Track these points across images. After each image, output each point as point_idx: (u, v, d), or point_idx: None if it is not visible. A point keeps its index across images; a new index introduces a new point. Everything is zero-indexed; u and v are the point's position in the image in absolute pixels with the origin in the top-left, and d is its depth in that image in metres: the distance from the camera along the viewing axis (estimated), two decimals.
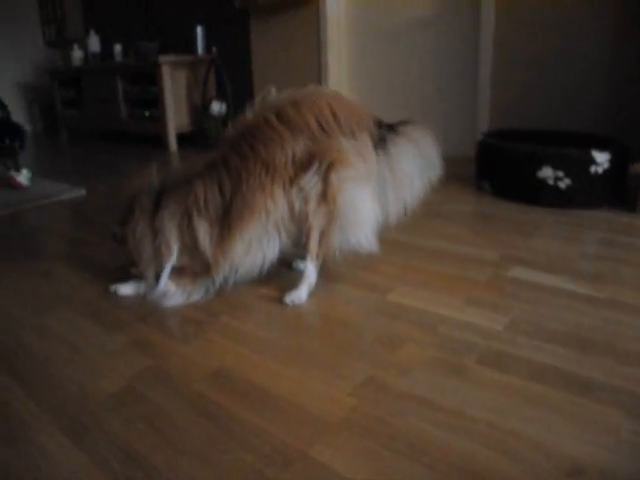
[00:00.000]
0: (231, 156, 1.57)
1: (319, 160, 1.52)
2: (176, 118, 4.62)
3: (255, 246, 1.59)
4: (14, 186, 3.21)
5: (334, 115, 1.53)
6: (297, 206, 1.56)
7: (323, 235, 1.57)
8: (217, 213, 1.57)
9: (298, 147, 1.52)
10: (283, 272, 1.81)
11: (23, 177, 3.23)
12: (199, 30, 4.62)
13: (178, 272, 1.65)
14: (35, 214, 2.78)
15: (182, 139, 4.73)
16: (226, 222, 1.56)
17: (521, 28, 3.12)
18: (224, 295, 1.67)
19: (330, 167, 1.51)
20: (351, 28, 4.02)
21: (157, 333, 1.47)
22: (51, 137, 6.03)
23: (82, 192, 3.18)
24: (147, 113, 4.78)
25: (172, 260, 1.63)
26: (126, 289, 1.72)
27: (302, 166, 1.54)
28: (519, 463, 0.94)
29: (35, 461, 1.00)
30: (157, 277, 1.65)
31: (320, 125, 1.52)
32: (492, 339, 1.34)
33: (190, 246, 1.61)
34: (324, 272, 1.70)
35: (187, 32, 4.81)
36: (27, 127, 3.37)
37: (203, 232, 1.57)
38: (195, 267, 1.64)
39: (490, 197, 2.63)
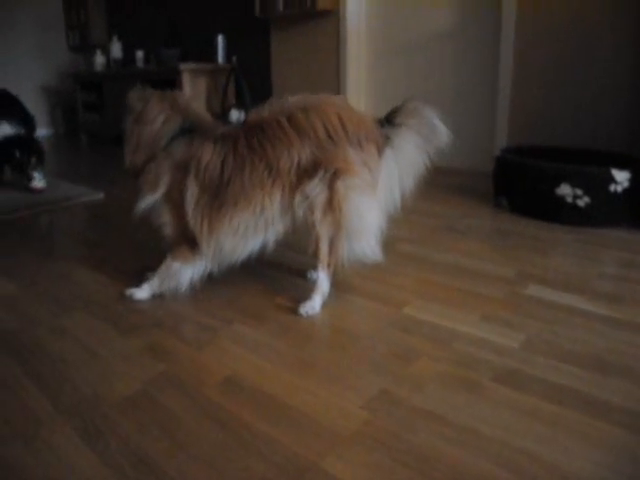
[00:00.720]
0: (241, 142, 1.58)
1: (324, 168, 1.52)
2: None
3: (242, 232, 1.60)
4: (32, 191, 3.26)
5: (342, 124, 1.53)
6: (300, 213, 1.57)
7: (332, 244, 1.58)
8: (211, 185, 1.58)
9: (304, 153, 1.53)
10: (298, 282, 1.81)
11: (36, 181, 3.27)
12: (220, 39, 4.68)
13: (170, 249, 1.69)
14: (54, 216, 2.82)
15: None
16: (218, 200, 1.58)
17: (541, 44, 3.12)
18: (238, 303, 1.68)
19: (336, 175, 1.52)
20: (371, 40, 4.04)
21: (171, 338, 1.47)
22: (71, 140, 6.11)
23: (100, 195, 3.21)
24: None
25: (154, 195, 1.64)
26: (142, 293, 1.73)
27: (306, 173, 1.54)
28: None
29: (48, 460, 1.01)
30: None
31: (327, 133, 1.53)
32: (507, 357, 1.33)
33: (174, 203, 1.63)
34: (339, 284, 1.70)
35: (208, 41, 4.87)
36: (50, 130, 3.39)
37: (191, 194, 1.59)
38: (180, 241, 1.66)
39: (507, 213, 2.61)
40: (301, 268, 1.84)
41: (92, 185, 3.50)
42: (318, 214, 1.55)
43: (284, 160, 1.54)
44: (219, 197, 1.58)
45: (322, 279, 1.63)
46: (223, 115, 4.54)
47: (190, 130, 1.65)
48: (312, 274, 1.82)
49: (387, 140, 1.60)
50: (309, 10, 4.00)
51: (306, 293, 1.66)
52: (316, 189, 1.54)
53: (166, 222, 1.68)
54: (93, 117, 5.85)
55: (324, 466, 0.98)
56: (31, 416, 1.15)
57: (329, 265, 1.62)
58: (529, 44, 3.17)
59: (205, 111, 1.75)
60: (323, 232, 1.57)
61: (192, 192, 1.60)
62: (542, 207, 2.46)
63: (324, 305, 1.62)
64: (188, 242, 1.65)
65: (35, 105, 6.17)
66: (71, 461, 1.01)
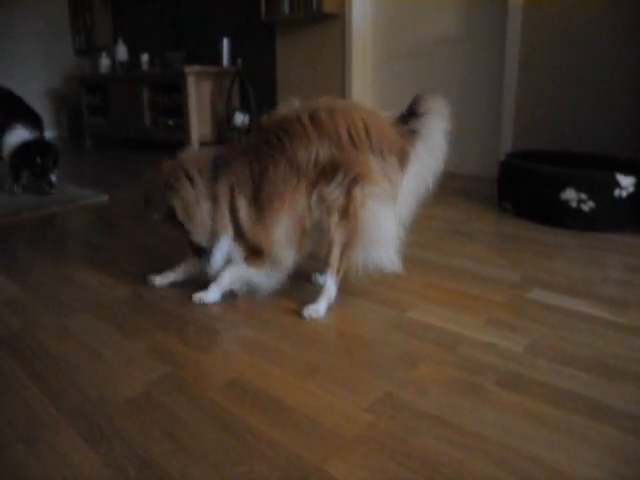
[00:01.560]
0: (261, 143, 1.59)
1: (344, 171, 1.52)
2: (199, 128, 4.68)
3: (286, 233, 1.60)
4: (46, 193, 3.27)
5: (366, 130, 1.52)
6: (316, 215, 1.57)
7: (344, 250, 1.58)
8: (251, 194, 1.59)
9: (323, 151, 1.52)
10: (303, 285, 1.81)
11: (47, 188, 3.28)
12: (225, 42, 4.69)
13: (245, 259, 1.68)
14: (59, 218, 2.83)
15: None
16: (258, 205, 1.59)
17: (547, 48, 3.12)
18: (243, 306, 1.68)
19: (355, 181, 1.51)
20: (376, 43, 4.05)
21: (175, 341, 1.47)
22: (76, 143, 6.14)
23: (104, 198, 3.22)
24: (171, 122, 4.85)
25: (229, 234, 1.64)
26: (212, 295, 1.70)
27: (325, 173, 1.54)
28: None
29: (52, 462, 1.01)
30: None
31: (350, 137, 1.51)
32: (512, 361, 1.32)
33: (235, 227, 1.63)
34: (344, 287, 1.69)
35: (213, 44, 4.88)
36: (54, 132, 3.40)
37: (243, 208, 1.60)
38: (251, 251, 1.66)
39: (512, 218, 2.61)
40: (306, 271, 1.84)
41: (96, 187, 3.51)
42: (334, 218, 1.55)
43: (301, 154, 1.53)
44: (257, 202, 1.59)
45: (330, 284, 1.62)
46: (227, 118, 4.55)
47: (222, 165, 1.66)
48: (317, 277, 1.82)
49: (414, 137, 1.59)
50: (315, 13, 4.01)
51: (311, 296, 1.66)
52: (334, 192, 1.53)
53: (238, 248, 1.67)
54: (98, 120, 5.87)
55: (327, 469, 0.98)
56: (34, 418, 1.15)
57: (338, 271, 1.61)
58: (535, 48, 3.17)
59: (221, 148, 1.75)
60: (337, 237, 1.56)
61: (243, 206, 1.60)
62: (546, 212, 2.46)
63: (329, 308, 1.62)
64: (258, 252, 1.65)
65: (40, 108, 6.18)
66: (74, 463, 1.01)
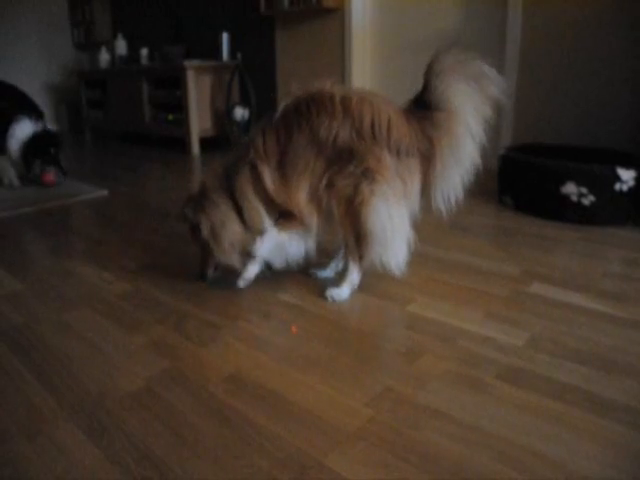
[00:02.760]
0: (290, 111, 1.58)
1: (357, 161, 1.50)
2: (199, 122, 4.66)
3: (310, 197, 1.60)
4: (46, 183, 3.27)
5: (389, 128, 1.50)
6: (325, 198, 1.57)
7: (359, 240, 1.57)
8: (275, 158, 1.59)
9: (343, 132, 1.51)
10: (302, 280, 1.81)
11: (52, 174, 3.30)
12: (224, 36, 4.67)
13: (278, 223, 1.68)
14: (58, 213, 2.82)
15: (204, 144, 4.77)
16: (282, 169, 1.58)
17: (547, 43, 3.11)
18: (242, 300, 1.68)
19: (364, 174, 1.50)
20: (376, 38, 4.03)
21: (175, 335, 1.47)
22: (75, 137, 6.12)
23: (104, 192, 3.22)
24: (171, 117, 4.83)
25: (267, 227, 1.65)
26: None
27: (340, 157, 1.52)
28: None
29: (53, 456, 1.01)
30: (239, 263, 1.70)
31: (372, 128, 1.49)
32: (512, 355, 1.32)
33: (263, 195, 1.62)
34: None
35: (213, 38, 4.87)
36: (54, 127, 3.42)
37: (267, 176, 1.59)
38: (281, 219, 1.66)
39: (512, 211, 2.61)
40: (305, 265, 1.84)
41: (96, 182, 3.51)
42: (341, 209, 1.55)
43: (324, 129, 1.52)
44: (283, 167, 1.58)
45: (351, 270, 1.65)
46: (227, 113, 4.54)
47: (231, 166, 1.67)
48: (315, 272, 1.82)
49: (437, 124, 1.52)
50: (314, 7, 3.99)
51: (310, 289, 1.66)
52: (343, 181, 1.52)
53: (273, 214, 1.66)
54: (97, 114, 5.86)
55: (328, 463, 0.98)
56: (35, 412, 1.15)
57: (361, 258, 1.61)
58: (535, 42, 3.16)
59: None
60: (346, 228, 1.57)
61: (267, 173, 1.59)
62: (547, 205, 2.45)
63: (330, 303, 1.63)
64: (286, 214, 1.64)
65: (39, 102, 6.15)
66: (75, 457, 1.01)
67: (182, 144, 4.86)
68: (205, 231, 1.64)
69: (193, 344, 1.42)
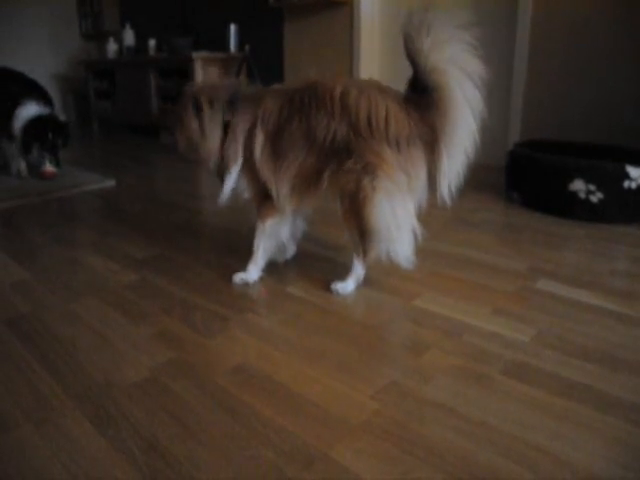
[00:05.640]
0: (298, 96, 1.58)
1: (357, 158, 1.49)
2: None
3: (297, 186, 1.62)
4: (46, 176, 3.27)
5: (386, 120, 1.46)
6: (328, 194, 1.58)
7: (362, 236, 1.57)
8: (272, 130, 1.60)
9: (340, 131, 1.50)
10: (308, 273, 1.81)
11: (49, 165, 3.29)
12: (232, 28, 4.65)
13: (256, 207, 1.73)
14: (66, 203, 2.83)
15: None
16: (275, 147, 1.60)
17: (556, 39, 3.08)
18: (249, 292, 1.68)
19: (365, 170, 1.48)
20: (384, 31, 4.01)
21: (181, 326, 1.48)
22: (83, 128, 6.13)
23: (112, 182, 3.22)
24: None
25: (238, 164, 1.67)
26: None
27: (339, 153, 1.51)
28: (543, 479, 0.92)
29: (59, 444, 1.02)
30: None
31: (369, 123, 1.47)
32: (518, 350, 1.32)
33: (247, 159, 1.65)
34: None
35: (221, 29, 4.85)
36: (62, 117, 3.40)
37: (258, 143, 1.61)
38: (262, 198, 1.69)
39: (519, 208, 2.60)
40: (313, 257, 1.84)
41: (104, 172, 3.52)
42: (345, 204, 1.55)
43: (321, 128, 1.52)
44: (277, 145, 1.60)
45: (355, 265, 1.65)
46: None
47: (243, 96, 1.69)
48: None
49: (433, 109, 1.46)
50: (323, 0, 3.97)
51: (317, 283, 1.66)
52: (345, 177, 1.51)
53: (246, 183, 1.70)
54: (105, 105, 5.86)
55: (333, 455, 0.98)
56: (42, 400, 1.16)
57: (364, 253, 1.61)
58: (544, 39, 3.14)
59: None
60: (349, 223, 1.57)
61: (259, 140, 1.61)
62: (554, 202, 2.44)
63: (336, 296, 1.63)
64: (269, 197, 1.66)
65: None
66: (81, 445, 1.02)
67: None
68: (181, 140, 1.72)
69: (200, 335, 1.43)
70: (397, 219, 1.52)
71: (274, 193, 1.63)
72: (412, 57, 1.47)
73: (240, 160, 1.66)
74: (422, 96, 1.48)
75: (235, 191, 1.72)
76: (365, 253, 1.61)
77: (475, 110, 1.50)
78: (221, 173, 1.71)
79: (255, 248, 1.74)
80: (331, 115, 1.51)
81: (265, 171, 1.62)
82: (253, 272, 1.75)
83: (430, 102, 1.46)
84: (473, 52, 1.48)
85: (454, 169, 1.51)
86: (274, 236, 1.74)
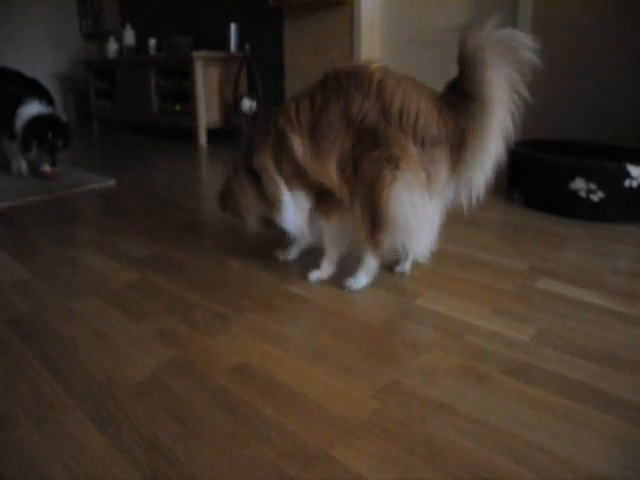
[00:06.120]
0: (331, 80, 1.56)
1: (384, 145, 1.48)
2: (207, 113, 4.66)
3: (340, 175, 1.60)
4: (46, 176, 3.27)
5: (417, 116, 1.45)
6: (345, 178, 1.57)
7: (374, 228, 1.55)
8: (307, 125, 1.57)
9: (371, 114, 1.49)
10: (309, 272, 1.81)
11: (47, 164, 3.29)
12: (232, 27, 4.65)
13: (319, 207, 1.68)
14: (66, 202, 2.83)
15: (212, 135, 4.76)
16: (314, 139, 1.57)
17: (557, 38, 3.08)
18: (250, 291, 1.68)
19: (389, 160, 1.47)
20: (385, 31, 4.01)
21: (182, 325, 1.48)
22: (83, 127, 6.13)
23: (112, 182, 3.22)
24: (178, 107, 4.83)
25: (284, 195, 1.65)
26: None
27: (365, 136, 1.50)
28: (544, 478, 0.92)
29: (60, 443, 1.02)
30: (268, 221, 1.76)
31: (400, 112, 1.46)
32: (519, 350, 1.32)
33: (291, 169, 1.62)
34: (350, 272, 1.69)
35: (221, 29, 4.85)
36: (62, 117, 3.39)
37: (298, 144, 1.58)
38: (316, 199, 1.67)
39: (520, 207, 2.59)
40: (314, 256, 1.84)
41: (104, 172, 3.52)
42: (361, 190, 1.53)
43: (355, 106, 1.50)
44: (316, 136, 1.56)
45: (367, 258, 1.64)
46: (235, 104, 4.53)
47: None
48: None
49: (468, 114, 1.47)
50: None
51: (319, 282, 1.66)
52: (367, 164, 1.50)
53: (303, 195, 1.66)
54: (105, 104, 5.86)
55: (334, 454, 0.98)
56: (43, 399, 1.16)
57: (377, 244, 1.59)
58: (545, 36, 3.13)
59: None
60: (363, 213, 1.55)
61: (297, 143, 1.58)
62: (555, 201, 2.44)
63: (338, 295, 1.63)
64: (325, 194, 1.63)
65: None
66: (82, 444, 1.02)
67: (190, 135, 4.86)
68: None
69: (201, 334, 1.43)
70: (416, 211, 1.51)
71: (331, 184, 1.59)
72: (465, 63, 1.48)
73: (282, 184, 1.64)
74: (460, 99, 1.48)
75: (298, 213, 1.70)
76: (378, 244, 1.59)
77: (507, 134, 1.52)
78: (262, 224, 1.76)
79: (326, 246, 1.72)
80: (366, 96, 1.50)
81: (313, 166, 1.59)
82: (327, 268, 1.75)
83: (468, 109, 1.47)
84: (526, 74, 1.51)
85: (475, 177, 1.53)
86: (342, 230, 1.69)
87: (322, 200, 1.66)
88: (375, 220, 1.54)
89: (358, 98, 1.50)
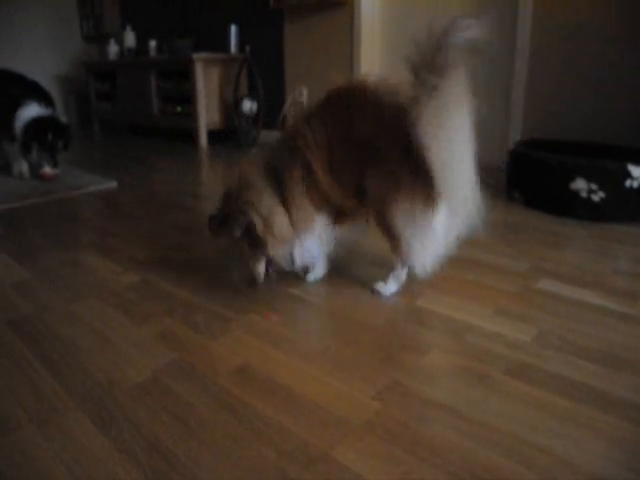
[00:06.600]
0: (335, 100, 1.55)
1: (384, 162, 1.48)
2: (207, 115, 4.66)
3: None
4: (46, 178, 3.27)
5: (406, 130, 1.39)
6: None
7: (396, 241, 1.55)
8: (325, 150, 1.54)
9: (369, 132, 1.48)
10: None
11: (49, 167, 3.30)
12: (233, 29, 4.66)
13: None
14: (67, 204, 2.83)
15: (212, 136, 4.77)
16: (332, 163, 1.54)
17: (558, 38, 3.08)
18: (251, 294, 1.68)
19: (389, 177, 1.48)
20: (385, 32, 4.01)
21: (183, 327, 1.48)
22: (84, 129, 6.14)
23: (113, 184, 3.23)
24: (179, 109, 4.84)
25: (316, 225, 1.61)
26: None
27: (368, 153, 1.50)
28: (545, 479, 0.92)
29: (62, 445, 1.02)
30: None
31: (407, 148, 1.41)
32: (520, 351, 1.32)
33: (315, 194, 1.58)
34: (351, 273, 1.69)
35: (221, 30, 4.86)
36: (63, 119, 3.40)
37: (319, 168, 1.54)
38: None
39: (521, 207, 2.59)
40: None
41: (105, 174, 3.52)
42: (373, 212, 1.56)
43: (358, 125, 1.50)
44: (333, 160, 1.54)
45: (397, 267, 1.64)
46: (235, 105, 4.54)
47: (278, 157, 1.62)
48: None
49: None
50: (324, 1, 3.97)
51: (319, 284, 1.66)
52: (372, 182, 1.51)
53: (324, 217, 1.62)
54: (106, 106, 5.87)
55: (335, 455, 0.98)
56: (44, 400, 1.16)
57: (400, 258, 1.60)
58: (545, 37, 3.13)
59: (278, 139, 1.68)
60: (380, 229, 1.57)
61: (319, 167, 1.54)
62: (556, 201, 2.44)
63: (339, 296, 1.63)
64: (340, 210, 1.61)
65: None
66: (84, 446, 1.02)
67: (190, 136, 4.86)
68: (260, 226, 1.51)
69: (202, 336, 1.43)
70: (417, 229, 1.50)
71: (346, 205, 1.59)
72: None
73: (314, 215, 1.60)
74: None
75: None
76: (399, 256, 1.59)
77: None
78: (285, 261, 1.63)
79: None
80: (364, 113, 1.50)
81: (334, 188, 1.55)
82: (321, 267, 1.76)
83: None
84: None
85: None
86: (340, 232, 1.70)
87: (339, 214, 1.64)
88: (389, 236, 1.55)
89: (359, 117, 1.50)
